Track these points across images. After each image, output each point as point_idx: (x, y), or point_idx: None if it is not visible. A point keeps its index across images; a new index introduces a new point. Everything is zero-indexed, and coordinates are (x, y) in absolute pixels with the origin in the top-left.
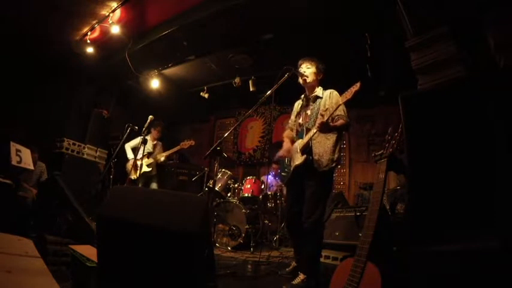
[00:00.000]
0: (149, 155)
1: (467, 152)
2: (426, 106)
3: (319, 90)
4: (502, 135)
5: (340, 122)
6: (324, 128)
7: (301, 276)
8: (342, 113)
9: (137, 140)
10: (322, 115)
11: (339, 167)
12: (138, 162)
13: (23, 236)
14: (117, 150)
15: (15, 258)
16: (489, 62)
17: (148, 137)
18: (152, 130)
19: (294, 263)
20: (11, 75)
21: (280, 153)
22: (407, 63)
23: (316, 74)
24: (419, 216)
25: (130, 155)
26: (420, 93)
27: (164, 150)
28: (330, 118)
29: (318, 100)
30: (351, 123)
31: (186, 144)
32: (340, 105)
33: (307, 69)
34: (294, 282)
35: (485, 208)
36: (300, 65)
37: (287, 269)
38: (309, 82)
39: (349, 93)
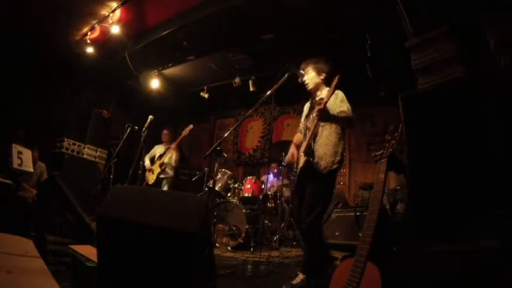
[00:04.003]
0: (161, 156)
1: (467, 151)
2: (426, 106)
3: (323, 92)
4: (501, 135)
5: (343, 115)
6: (323, 115)
7: (301, 276)
8: (345, 109)
9: (153, 150)
10: (320, 103)
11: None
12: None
13: (23, 236)
14: (117, 150)
15: (15, 258)
16: (489, 62)
17: (162, 144)
18: (162, 136)
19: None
20: (11, 75)
21: (287, 158)
22: (407, 63)
23: (317, 77)
24: (419, 216)
25: (146, 163)
26: (420, 93)
27: (176, 151)
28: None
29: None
30: (354, 119)
31: (186, 131)
32: (328, 97)
33: (307, 76)
34: (293, 282)
35: (485, 208)
36: (303, 70)
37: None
38: (311, 88)
39: (331, 89)
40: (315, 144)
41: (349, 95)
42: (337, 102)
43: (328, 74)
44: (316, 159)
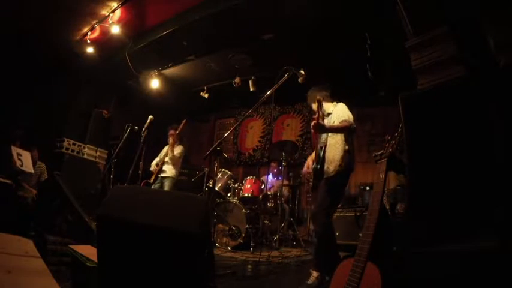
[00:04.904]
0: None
1: (467, 151)
2: (426, 106)
3: (330, 107)
4: (501, 135)
5: (342, 124)
6: (317, 128)
7: (315, 274)
8: (346, 117)
9: (162, 150)
10: (313, 118)
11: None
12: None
13: (23, 236)
14: (117, 150)
15: (15, 258)
16: (489, 62)
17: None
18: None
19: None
20: (11, 75)
21: (304, 170)
22: (407, 63)
23: (320, 103)
24: (419, 216)
25: (153, 163)
26: (420, 93)
27: (172, 150)
28: (332, 121)
29: (330, 116)
30: (353, 125)
31: (181, 127)
32: (316, 116)
33: (313, 107)
34: (308, 282)
35: (485, 208)
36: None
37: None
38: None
39: (317, 111)
40: (325, 153)
41: (349, 95)
42: (339, 113)
43: (326, 96)
44: (326, 166)
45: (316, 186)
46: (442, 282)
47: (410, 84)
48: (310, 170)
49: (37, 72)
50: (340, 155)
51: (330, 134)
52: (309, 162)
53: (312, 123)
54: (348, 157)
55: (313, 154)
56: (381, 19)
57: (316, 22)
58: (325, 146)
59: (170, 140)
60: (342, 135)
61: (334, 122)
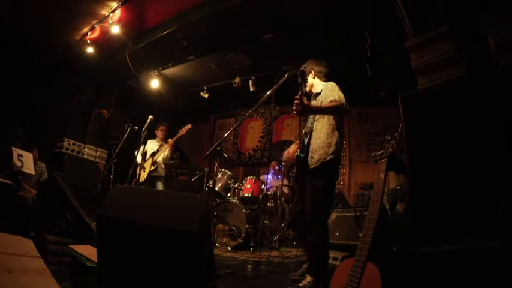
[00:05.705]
0: (154, 155)
1: (467, 151)
2: (426, 106)
3: (320, 86)
4: (501, 135)
5: (331, 103)
6: (301, 109)
7: (308, 279)
8: (336, 97)
9: (149, 147)
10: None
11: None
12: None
13: (23, 236)
14: (117, 150)
15: (15, 258)
16: (489, 62)
17: (155, 140)
18: (156, 131)
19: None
20: (11, 75)
21: (284, 156)
22: (408, 63)
23: (314, 79)
24: (419, 216)
25: (138, 159)
26: (420, 93)
27: (170, 149)
28: (319, 103)
29: (318, 97)
30: (345, 105)
31: (184, 130)
32: (300, 93)
33: (309, 80)
34: (300, 285)
35: (485, 208)
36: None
37: (299, 271)
38: (311, 91)
39: (303, 84)
40: (311, 140)
41: (349, 95)
42: (328, 93)
43: (318, 72)
44: (310, 155)
45: (300, 179)
46: (441, 282)
47: (410, 84)
48: (290, 156)
49: (37, 72)
50: (326, 141)
51: (316, 118)
52: (291, 149)
53: (294, 106)
54: (336, 145)
55: (297, 142)
56: (381, 19)
57: (316, 22)
58: (311, 131)
59: (159, 135)
60: (330, 118)
61: (321, 103)
